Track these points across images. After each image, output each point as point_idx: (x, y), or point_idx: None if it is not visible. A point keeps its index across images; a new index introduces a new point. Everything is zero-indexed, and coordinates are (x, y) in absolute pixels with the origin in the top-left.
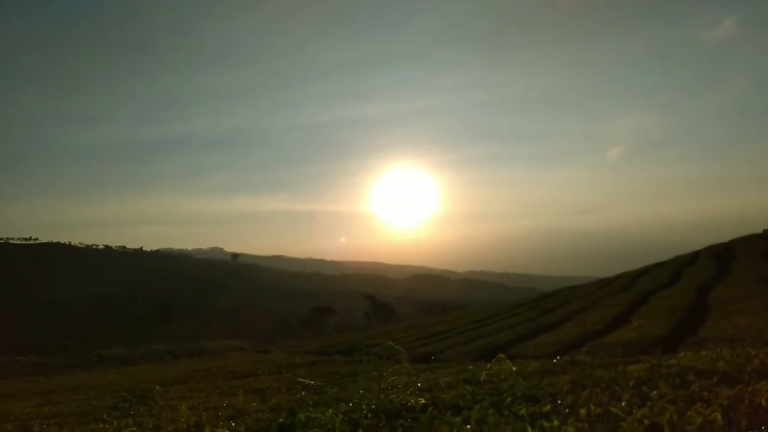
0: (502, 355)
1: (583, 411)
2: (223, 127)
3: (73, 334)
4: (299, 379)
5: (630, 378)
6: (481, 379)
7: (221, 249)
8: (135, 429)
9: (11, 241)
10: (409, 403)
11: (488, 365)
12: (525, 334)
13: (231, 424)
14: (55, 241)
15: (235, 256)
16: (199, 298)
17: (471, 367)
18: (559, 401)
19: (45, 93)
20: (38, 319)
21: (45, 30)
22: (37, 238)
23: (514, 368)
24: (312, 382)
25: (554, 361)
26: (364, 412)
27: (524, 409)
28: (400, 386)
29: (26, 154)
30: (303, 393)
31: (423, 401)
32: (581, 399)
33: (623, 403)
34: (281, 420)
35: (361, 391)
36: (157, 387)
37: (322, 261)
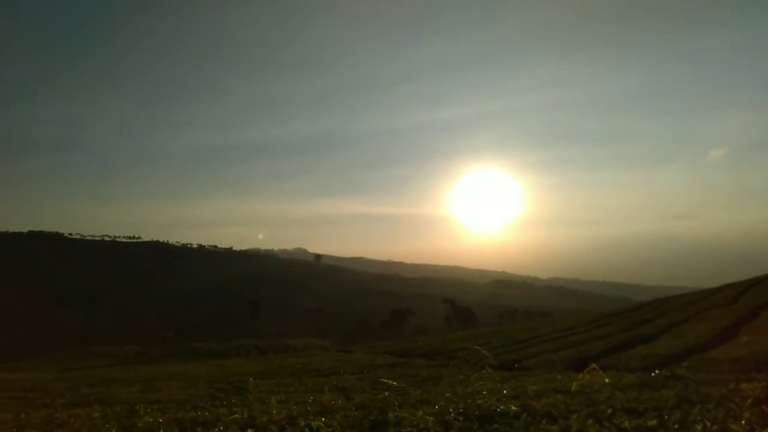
0: (595, 366)
1: (698, 427)
2: (306, 131)
3: (170, 327)
4: (382, 379)
5: (746, 396)
6: (573, 389)
7: (305, 250)
8: (238, 416)
9: (117, 239)
10: (499, 409)
11: (579, 375)
12: (617, 345)
13: (322, 419)
14: (155, 239)
15: (318, 257)
16: (284, 296)
17: (559, 376)
18: (666, 416)
19: (142, 102)
20: (141, 312)
21: (138, 44)
22: (140, 237)
23: (607, 379)
24: (395, 383)
25: (652, 374)
26: (453, 414)
27: (627, 422)
28: (485, 392)
29: (129, 159)
30: (386, 393)
31: (514, 408)
32: (691, 415)
33: (743, 422)
34: (372, 418)
35: (447, 394)
36: (251, 379)
37: (402, 264)
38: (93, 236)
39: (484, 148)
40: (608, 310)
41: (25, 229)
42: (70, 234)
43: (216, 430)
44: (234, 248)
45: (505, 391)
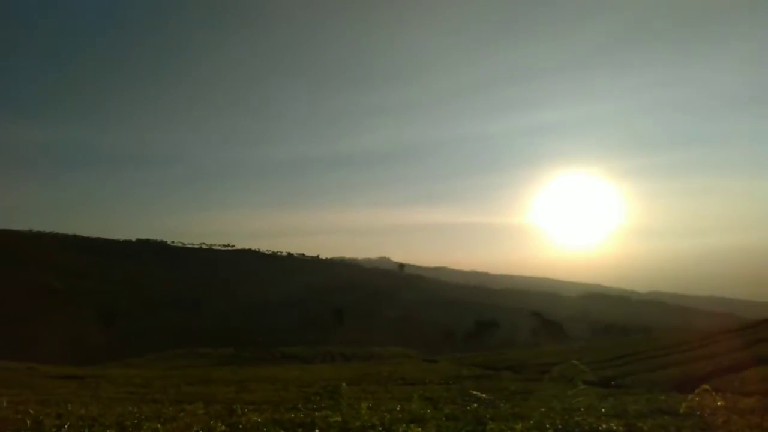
0: (706, 387)
1: None
2: (393, 141)
3: (261, 331)
4: (472, 391)
5: None
6: (681, 411)
7: (388, 259)
8: (339, 419)
9: (213, 247)
10: (602, 427)
11: (688, 397)
12: (729, 366)
13: (416, 428)
14: (248, 248)
15: (401, 266)
16: (368, 305)
17: (663, 397)
18: None
19: (238, 117)
20: (234, 316)
21: (234, 62)
22: (234, 245)
23: (720, 402)
24: (484, 395)
25: None
26: (552, 430)
27: None
28: (582, 409)
29: (226, 171)
30: (475, 405)
31: (618, 427)
32: None
33: None
34: (469, 428)
35: (543, 409)
36: (344, 384)
37: (486, 274)
38: (192, 244)
39: (576, 154)
40: (715, 327)
41: (133, 237)
42: (173, 242)
43: (315, 431)
44: (320, 256)
45: (603, 410)
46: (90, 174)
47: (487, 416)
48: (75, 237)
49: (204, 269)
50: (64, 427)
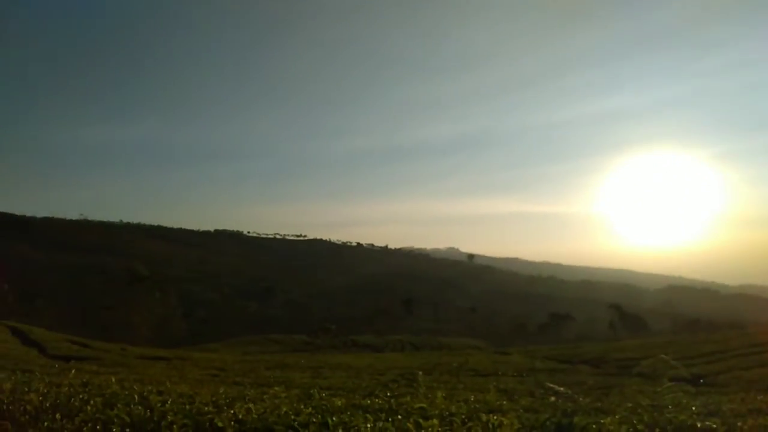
0: None
1: None
2: (458, 131)
3: (332, 319)
4: (548, 384)
5: None
6: None
7: (457, 249)
8: (424, 404)
9: (287, 237)
10: (699, 425)
11: None
12: None
13: (499, 418)
14: (318, 237)
15: (471, 256)
16: (437, 295)
17: (761, 397)
18: None
19: (304, 110)
20: (306, 305)
21: (298, 57)
22: (305, 235)
23: None
24: (561, 388)
25: None
26: (642, 427)
27: None
28: (670, 406)
29: (295, 163)
30: (553, 398)
31: (716, 426)
32: None
33: None
34: (556, 420)
35: (629, 404)
36: (420, 373)
37: (559, 265)
38: (266, 234)
39: (653, 139)
40: None
41: (212, 228)
42: (248, 232)
43: (397, 417)
44: (389, 246)
45: (694, 408)
46: (172, 168)
47: (567, 410)
48: (159, 227)
49: (277, 258)
50: (167, 403)
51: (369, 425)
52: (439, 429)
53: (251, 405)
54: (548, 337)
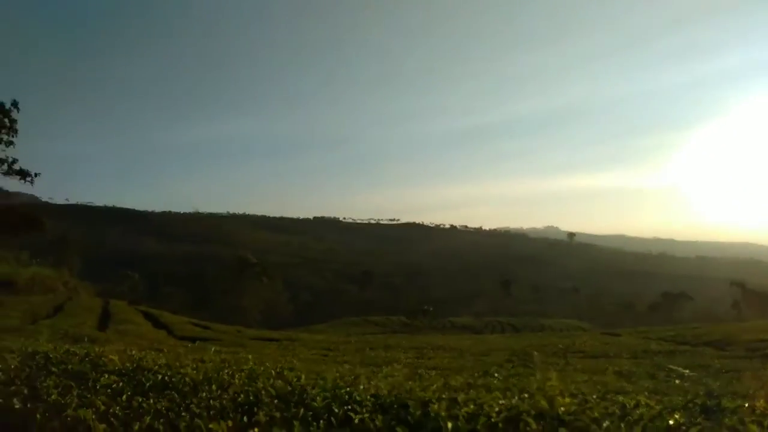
0: None
1: None
2: (554, 105)
3: (429, 301)
4: (670, 366)
5: None
6: None
7: (556, 228)
8: (554, 383)
9: (381, 222)
10: None
11: None
12: None
13: (633, 398)
14: (412, 221)
15: (571, 235)
16: (535, 275)
17: None
18: None
19: (395, 95)
20: (403, 287)
21: (387, 40)
22: (399, 219)
23: None
24: (686, 371)
25: None
26: None
27: None
28: None
29: (388, 147)
30: (677, 381)
31: None
32: None
33: None
34: (701, 402)
35: None
36: (536, 353)
37: (672, 241)
38: (361, 220)
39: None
40: None
41: (311, 216)
42: (344, 218)
43: (523, 394)
44: (483, 227)
45: None
46: (271, 161)
47: (700, 393)
48: (263, 217)
49: (373, 243)
50: (300, 378)
51: (501, 401)
52: (576, 407)
53: (378, 383)
54: (660, 317)
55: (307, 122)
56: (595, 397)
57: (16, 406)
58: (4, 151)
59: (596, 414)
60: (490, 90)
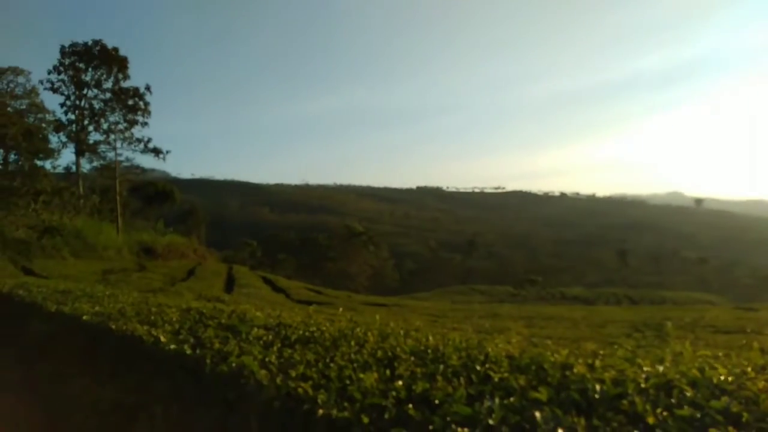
0: None
1: None
2: (678, 57)
3: (538, 271)
4: None
5: None
6: None
7: (681, 194)
8: (696, 350)
9: (485, 191)
10: None
11: None
12: None
13: None
14: (518, 189)
15: (698, 201)
16: (656, 245)
17: None
18: None
19: (498, 58)
20: (509, 256)
21: (477, 4)
22: (504, 188)
23: None
24: None
25: None
26: None
27: None
28: None
29: (492, 113)
30: None
31: None
32: None
33: None
34: None
35: None
36: (669, 323)
37: None
38: (465, 188)
39: None
40: None
41: (414, 185)
42: (447, 187)
43: (665, 364)
44: (596, 195)
45: None
46: (375, 132)
47: None
48: (368, 187)
49: (477, 211)
50: (429, 338)
51: (646, 368)
52: (732, 377)
53: (506, 345)
54: None
55: (407, 92)
56: (750, 369)
57: (188, 352)
58: (140, 131)
59: (760, 385)
60: (603, 46)
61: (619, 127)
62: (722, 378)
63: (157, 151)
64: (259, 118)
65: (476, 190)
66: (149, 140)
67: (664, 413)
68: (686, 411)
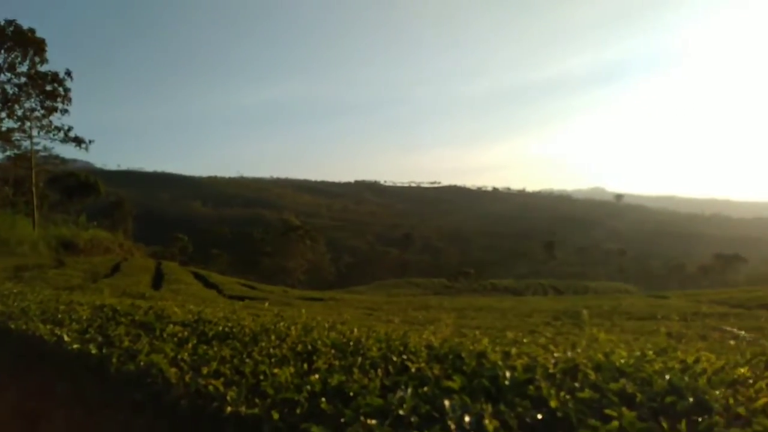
0: None
1: None
2: (600, 58)
3: (470, 263)
4: (725, 327)
5: None
6: None
7: (602, 189)
8: (606, 336)
9: (422, 185)
10: None
11: None
12: None
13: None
14: (453, 184)
15: (619, 196)
16: (580, 238)
17: None
18: None
19: (438, 52)
20: (443, 250)
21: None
22: (440, 182)
23: None
24: (742, 332)
25: None
26: None
27: None
28: None
29: (428, 109)
30: (732, 342)
31: None
32: None
33: None
34: (766, 358)
35: None
36: (585, 311)
37: (727, 202)
38: (402, 183)
39: None
40: None
41: (352, 179)
42: (385, 182)
43: (576, 350)
44: (526, 189)
45: None
46: (312, 125)
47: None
48: (305, 181)
49: (413, 206)
50: (353, 331)
51: (557, 354)
52: (632, 360)
53: (430, 336)
54: (712, 280)
55: (346, 85)
56: (651, 352)
57: (93, 351)
58: (59, 119)
59: (656, 367)
60: (534, 46)
61: (547, 125)
62: (623, 361)
63: (79, 141)
64: (193, 109)
65: (413, 185)
66: (70, 129)
67: (567, 396)
68: (587, 393)
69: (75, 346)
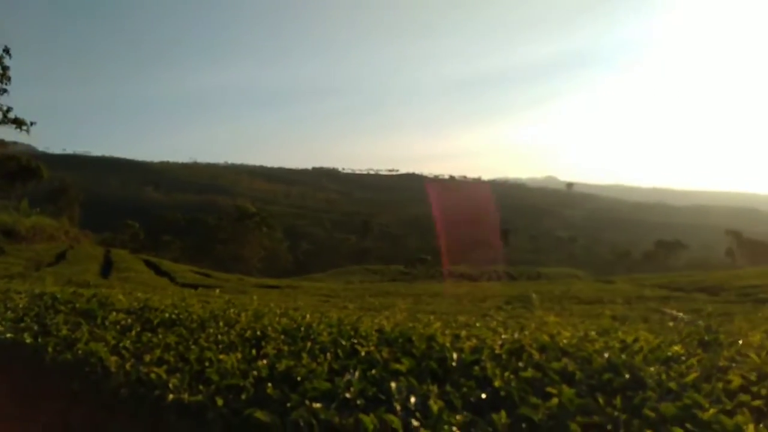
0: None
1: None
2: (562, 50)
3: (427, 251)
4: (665, 309)
5: None
6: None
7: (555, 178)
8: (555, 318)
9: (380, 173)
10: None
11: None
12: None
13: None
14: (411, 172)
15: (570, 185)
16: (533, 225)
17: None
18: None
19: (390, 42)
20: (401, 237)
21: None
22: (398, 170)
23: None
24: (681, 314)
25: None
26: None
27: None
28: None
29: (386, 96)
30: (671, 324)
31: None
32: None
33: None
34: (699, 336)
35: (763, 329)
36: (535, 295)
37: (669, 190)
38: (360, 170)
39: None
40: None
41: (309, 166)
42: (343, 168)
43: (524, 332)
44: (482, 178)
45: None
46: (268, 110)
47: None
48: (261, 167)
49: (372, 193)
50: (306, 317)
51: (504, 336)
52: (575, 341)
53: (383, 320)
54: (655, 265)
55: (303, 71)
56: (594, 333)
57: (27, 341)
58: None
59: (597, 347)
60: (489, 35)
61: (503, 115)
62: (566, 342)
63: (19, 122)
64: (144, 92)
65: (371, 172)
66: (9, 109)
67: (511, 376)
68: (530, 372)
69: (8, 335)
